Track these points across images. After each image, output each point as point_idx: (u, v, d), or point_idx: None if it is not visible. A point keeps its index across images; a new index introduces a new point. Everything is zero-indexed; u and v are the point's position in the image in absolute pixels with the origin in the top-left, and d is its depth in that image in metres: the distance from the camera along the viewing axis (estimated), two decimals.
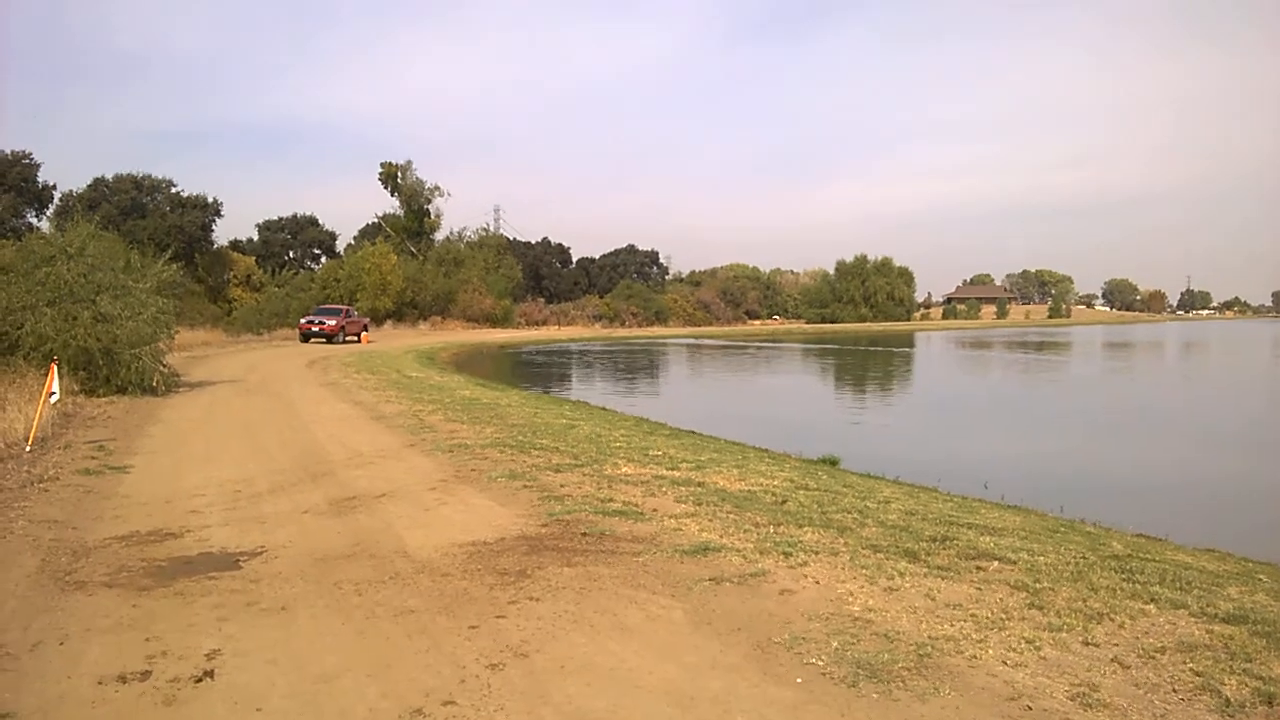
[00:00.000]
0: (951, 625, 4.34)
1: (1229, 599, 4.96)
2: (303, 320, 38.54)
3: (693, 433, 13.74)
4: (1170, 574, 5.42)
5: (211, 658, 3.95)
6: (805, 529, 6.23)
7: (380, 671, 3.82)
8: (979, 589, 4.93)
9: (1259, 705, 3.50)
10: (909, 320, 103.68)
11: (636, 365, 38.06)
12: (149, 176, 54.11)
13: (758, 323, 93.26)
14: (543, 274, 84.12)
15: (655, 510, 6.78)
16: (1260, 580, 5.69)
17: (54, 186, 50.28)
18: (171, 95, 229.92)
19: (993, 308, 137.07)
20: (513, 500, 7.21)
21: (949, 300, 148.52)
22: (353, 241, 68.66)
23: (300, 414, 13.27)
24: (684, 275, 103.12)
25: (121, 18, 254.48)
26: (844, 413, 22.30)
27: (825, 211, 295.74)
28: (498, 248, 70.65)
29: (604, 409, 17.42)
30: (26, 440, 9.41)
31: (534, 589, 4.90)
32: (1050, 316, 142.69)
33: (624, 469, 8.65)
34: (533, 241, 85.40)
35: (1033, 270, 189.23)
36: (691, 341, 60.22)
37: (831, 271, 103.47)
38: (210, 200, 55.38)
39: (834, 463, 11.23)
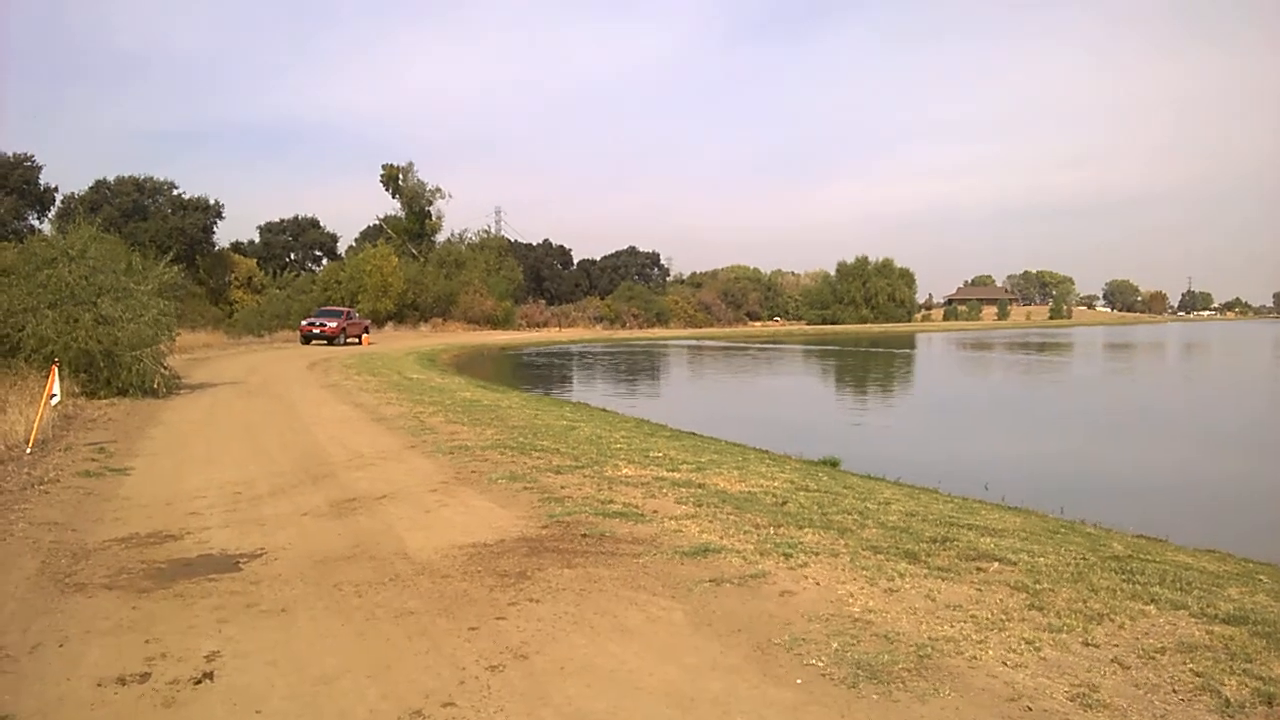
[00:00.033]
0: (952, 626, 4.34)
1: (1229, 600, 4.95)
2: (304, 322, 38.51)
3: (693, 434, 13.73)
4: (1170, 575, 5.42)
5: (211, 659, 3.95)
6: (805, 530, 6.23)
7: (380, 673, 3.82)
8: (979, 590, 4.93)
9: (1259, 706, 3.50)
10: (910, 321, 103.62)
11: (637, 367, 38.07)
12: (150, 178, 54.34)
13: (758, 324, 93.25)
14: (544, 276, 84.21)
15: (656, 512, 6.78)
16: (1260, 581, 5.68)
17: (56, 189, 50.65)
18: (171, 95, 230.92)
19: (994, 309, 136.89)
20: (513, 502, 7.21)
21: (950, 301, 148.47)
22: (354, 243, 68.79)
23: (301, 416, 13.28)
24: (685, 277, 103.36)
25: (121, 18, 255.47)
26: (844, 414, 22.28)
27: (825, 212, 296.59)
28: (499, 249, 70.68)
29: (604, 410, 17.42)
30: (27, 442, 9.41)
31: (534, 590, 4.90)
32: (1051, 318, 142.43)
33: (624, 470, 8.64)
34: (534, 243, 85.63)
35: (1034, 271, 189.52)
36: (692, 343, 60.26)
37: (832, 273, 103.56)
38: (211, 202, 55.66)
39: (834, 464, 11.22)
